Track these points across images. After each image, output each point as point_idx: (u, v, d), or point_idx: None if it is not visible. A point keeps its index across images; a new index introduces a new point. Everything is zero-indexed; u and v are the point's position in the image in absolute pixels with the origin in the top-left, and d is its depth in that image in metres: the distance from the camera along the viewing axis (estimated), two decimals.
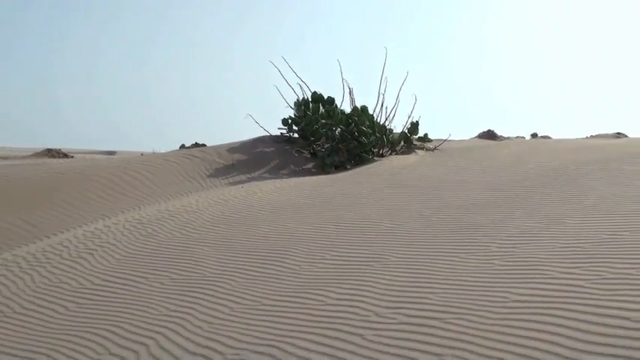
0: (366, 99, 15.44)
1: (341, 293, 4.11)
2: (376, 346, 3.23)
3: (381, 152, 11.92)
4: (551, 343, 2.96)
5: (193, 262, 5.35)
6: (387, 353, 3.14)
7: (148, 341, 3.82)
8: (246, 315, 4.01)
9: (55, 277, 5.44)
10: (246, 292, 4.46)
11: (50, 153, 20.42)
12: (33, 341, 4.13)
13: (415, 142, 12.28)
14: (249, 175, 10.57)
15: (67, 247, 6.36)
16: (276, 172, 10.86)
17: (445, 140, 12.66)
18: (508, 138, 16.22)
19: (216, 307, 4.23)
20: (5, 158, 20.01)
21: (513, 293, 3.62)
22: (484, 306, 3.50)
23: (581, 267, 3.88)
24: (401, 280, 4.18)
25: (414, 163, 10.52)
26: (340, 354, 3.23)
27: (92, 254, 6.01)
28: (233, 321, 3.94)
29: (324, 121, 11.92)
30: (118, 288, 4.98)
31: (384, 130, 12.04)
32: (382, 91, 12.45)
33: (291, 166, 11.25)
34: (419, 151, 11.96)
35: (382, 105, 12.41)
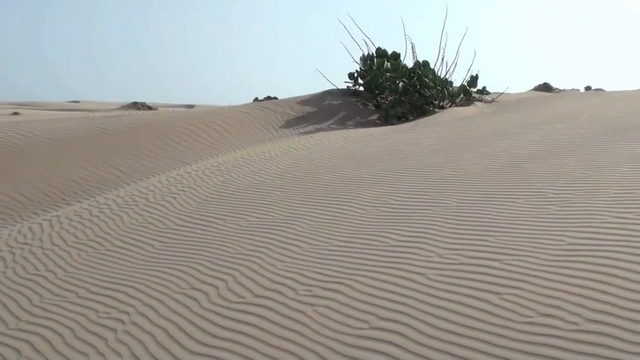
0: (426, 55, 15.23)
1: (404, 235, 4.09)
2: (438, 285, 3.22)
3: (441, 104, 11.75)
4: (604, 283, 2.90)
5: (266, 206, 5.39)
6: (449, 291, 3.12)
7: (227, 277, 3.87)
8: (316, 255, 4.03)
9: (142, 218, 5.55)
10: (315, 233, 4.47)
11: (136, 106, 20.74)
12: (123, 275, 4.23)
13: (474, 95, 12.07)
14: (317, 126, 10.56)
15: (152, 191, 6.47)
16: (342, 123, 10.81)
17: (502, 93, 12.41)
18: (563, 90, 15.82)
19: (288, 247, 4.25)
20: (96, 111, 20.41)
21: (569, 236, 3.55)
22: (541, 248, 3.44)
23: (633, 212, 3.78)
24: (461, 223, 4.14)
25: (473, 114, 10.35)
26: (404, 291, 3.22)
27: (175, 198, 6.10)
28: (304, 260, 3.96)
29: (388, 74, 11.80)
30: (198, 228, 5.05)
31: (444, 83, 11.86)
32: (443, 46, 12.24)
33: (357, 118, 11.19)
34: (478, 104, 11.76)
35: (443, 59, 12.20)
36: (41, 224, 5.73)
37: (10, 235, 5.54)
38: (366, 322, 3.00)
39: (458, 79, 12.46)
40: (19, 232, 5.59)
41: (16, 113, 19.38)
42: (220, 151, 9.03)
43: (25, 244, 5.20)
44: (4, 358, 3.31)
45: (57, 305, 3.88)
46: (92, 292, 4.01)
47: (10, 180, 7.79)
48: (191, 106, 27.38)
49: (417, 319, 2.92)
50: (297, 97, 12.04)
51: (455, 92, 11.90)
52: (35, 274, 4.48)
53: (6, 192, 7.46)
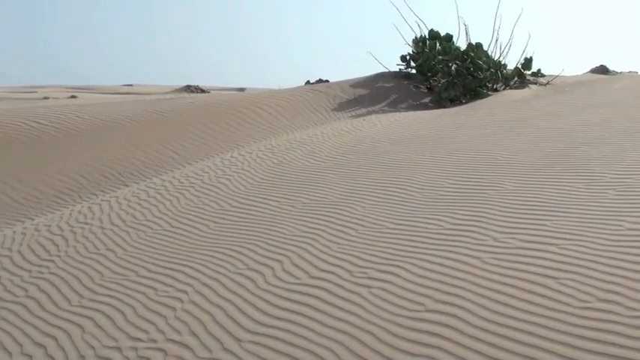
0: (480, 37, 15.05)
1: (458, 218, 4.07)
2: (494, 269, 3.20)
3: (495, 87, 11.62)
4: None
5: (320, 188, 5.41)
6: (505, 275, 3.10)
7: (282, 258, 3.91)
8: (371, 237, 4.04)
9: (197, 200, 5.63)
10: (370, 215, 4.48)
11: (189, 89, 20.95)
12: (181, 255, 4.30)
13: (528, 77, 11.90)
14: (369, 109, 10.54)
15: (207, 172, 6.55)
16: (395, 106, 10.77)
17: (558, 75, 12.20)
18: (620, 73, 15.47)
19: (343, 230, 4.27)
20: (150, 94, 20.66)
21: (627, 221, 3.49)
22: (599, 233, 3.39)
23: None
24: (516, 207, 4.10)
25: (528, 97, 10.21)
26: (460, 275, 3.22)
27: (229, 179, 6.16)
28: (359, 242, 3.98)
29: (440, 57, 11.69)
30: (253, 210, 5.10)
31: (498, 65, 11.72)
32: (497, 27, 12.09)
33: (409, 101, 11.13)
34: (532, 86, 11.59)
35: (496, 41, 12.06)
36: (100, 205, 5.85)
37: (70, 214, 5.68)
38: (421, 304, 3.00)
39: (512, 62, 12.32)
40: (80, 212, 5.72)
41: (73, 96, 19.75)
42: (273, 134, 9.08)
43: (86, 223, 5.32)
44: (68, 334, 3.41)
45: (118, 283, 3.97)
46: (151, 272, 4.09)
47: (70, 161, 7.96)
48: (242, 89, 27.52)
49: (473, 302, 2.92)
50: (349, 79, 12.02)
51: (509, 75, 11.75)
52: (96, 253, 4.59)
53: (66, 173, 7.64)
